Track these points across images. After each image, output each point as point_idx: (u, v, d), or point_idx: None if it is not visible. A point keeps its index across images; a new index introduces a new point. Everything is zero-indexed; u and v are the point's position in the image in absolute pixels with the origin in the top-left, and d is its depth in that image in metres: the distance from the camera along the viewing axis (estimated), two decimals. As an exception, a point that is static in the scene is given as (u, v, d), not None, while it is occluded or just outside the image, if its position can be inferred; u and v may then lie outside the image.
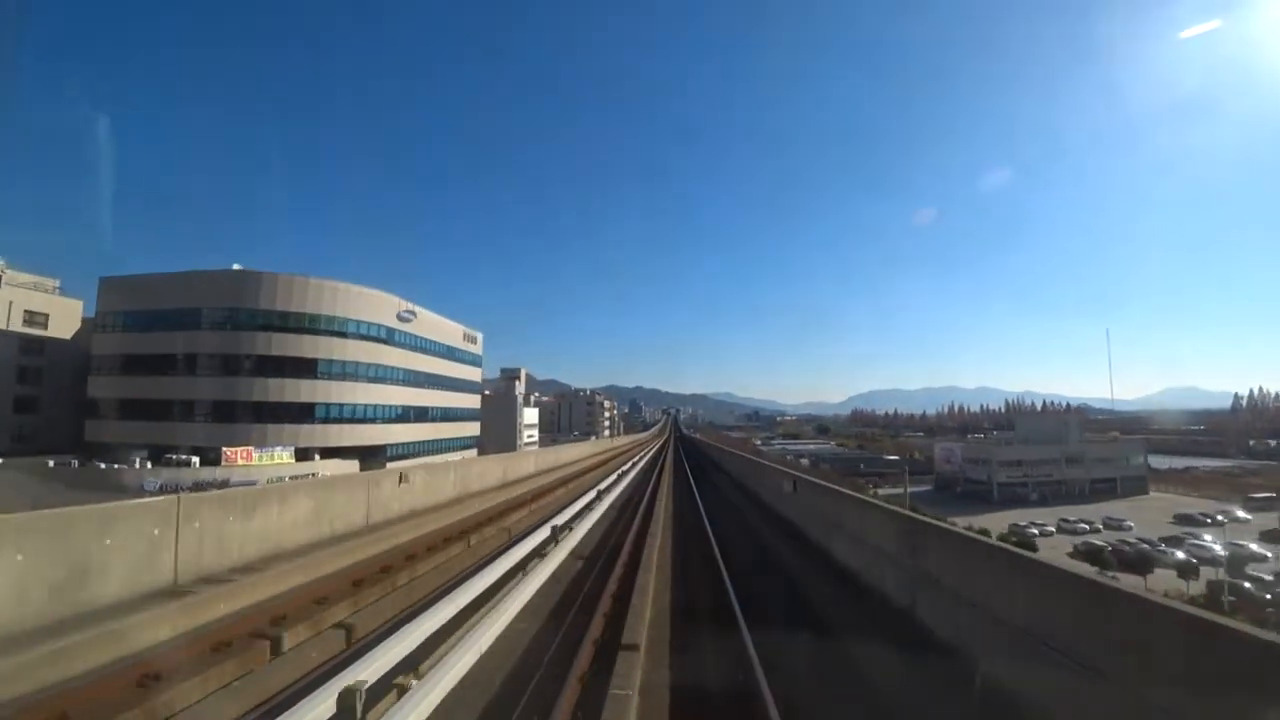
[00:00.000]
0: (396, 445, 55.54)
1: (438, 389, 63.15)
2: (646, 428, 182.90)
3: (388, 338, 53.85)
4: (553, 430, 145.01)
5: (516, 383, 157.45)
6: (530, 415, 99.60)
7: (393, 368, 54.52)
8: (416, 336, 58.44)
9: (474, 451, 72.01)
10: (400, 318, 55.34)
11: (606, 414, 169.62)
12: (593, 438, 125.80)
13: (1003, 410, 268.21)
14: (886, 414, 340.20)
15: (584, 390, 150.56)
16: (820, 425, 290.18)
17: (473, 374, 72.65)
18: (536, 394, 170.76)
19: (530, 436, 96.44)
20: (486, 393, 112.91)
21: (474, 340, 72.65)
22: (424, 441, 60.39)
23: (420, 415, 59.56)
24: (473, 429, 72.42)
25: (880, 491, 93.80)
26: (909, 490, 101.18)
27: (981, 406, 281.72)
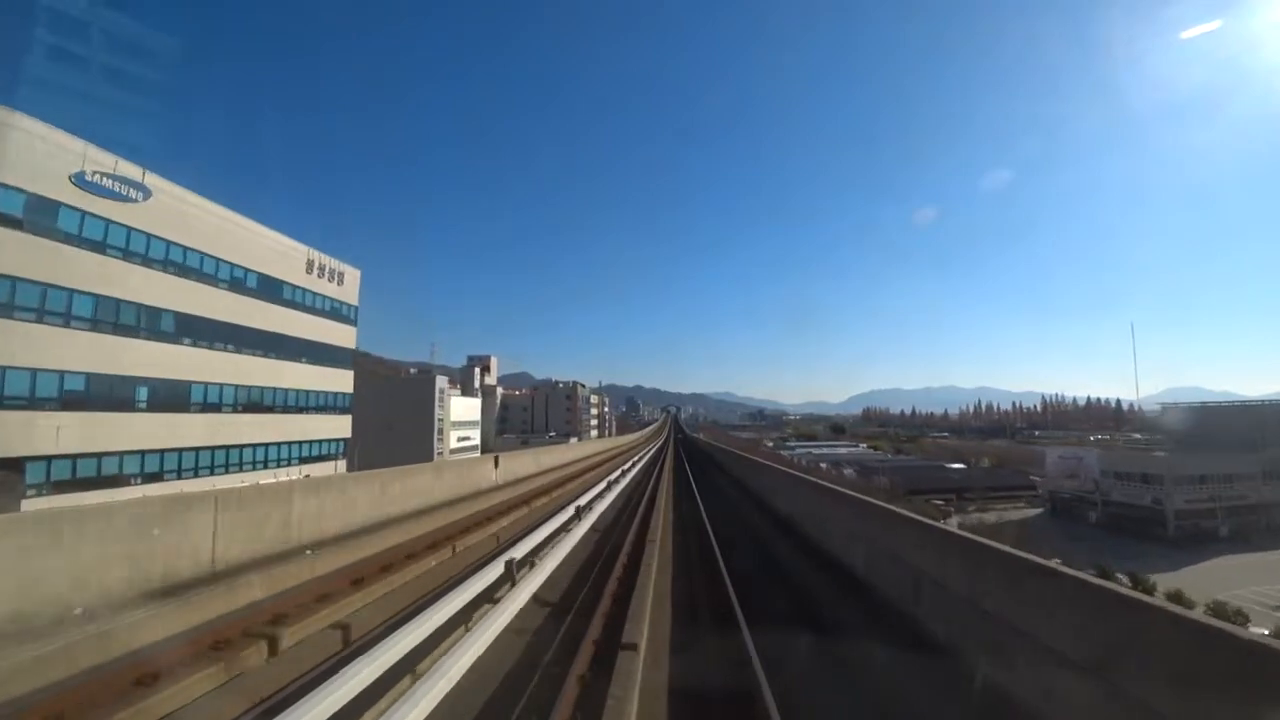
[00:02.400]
0: (87, 457, 25.41)
1: (235, 348, 32.98)
2: (644, 427, 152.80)
3: (39, 218, 23.68)
4: (525, 431, 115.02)
5: (484, 373, 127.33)
6: (463, 408, 69.07)
7: (55, 288, 24.33)
8: (153, 238, 28.24)
9: (340, 465, 41.89)
10: (83, 184, 25.13)
11: (594, 410, 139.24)
12: (572, 440, 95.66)
13: (1037, 409, 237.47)
14: (902, 412, 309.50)
15: (561, 381, 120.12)
16: (835, 425, 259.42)
17: (335, 334, 42.26)
18: (522, 389, 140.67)
19: (466, 440, 66.22)
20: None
21: (336, 278, 42.26)
22: (191, 450, 30.22)
23: (173, 397, 29.32)
24: (335, 427, 42.06)
25: (986, 519, 62.63)
26: (1007, 516, 70.54)
27: (1014, 405, 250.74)
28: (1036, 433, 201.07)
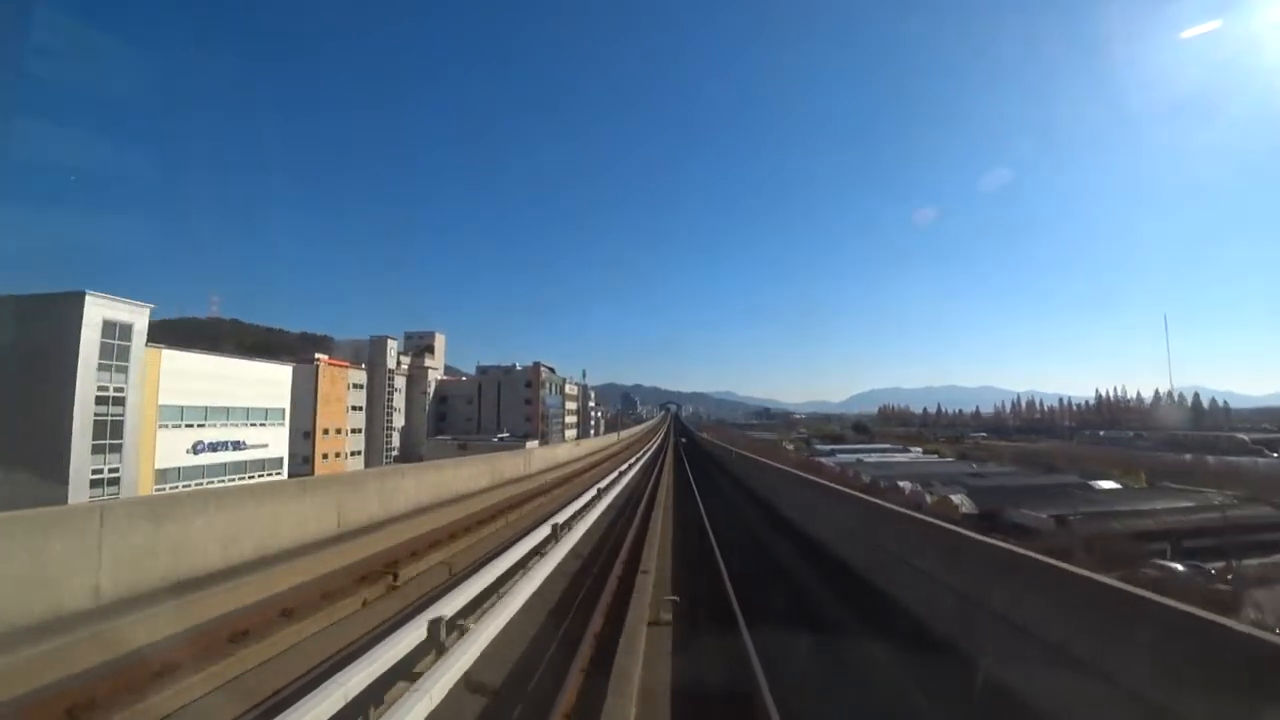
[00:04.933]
0: None
1: None
2: (638, 426, 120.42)
3: None
4: (471, 430, 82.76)
5: (421, 355, 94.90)
6: (208, 376, 33.98)
7: None
8: None
9: None
10: None
11: (571, 404, 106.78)
12: (531, 445, 63.37)
13: (1089, 405, 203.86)
14: (925, 410, 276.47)
15: (514, 365, 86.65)
16: (857, 424, 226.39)
17: None
18: (472, 375, 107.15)
19: (242, 449, 33.37)
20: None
21: None
22: None
23: None
24: None
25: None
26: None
27: (1062, 401, 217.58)
28: (1101, 433, 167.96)
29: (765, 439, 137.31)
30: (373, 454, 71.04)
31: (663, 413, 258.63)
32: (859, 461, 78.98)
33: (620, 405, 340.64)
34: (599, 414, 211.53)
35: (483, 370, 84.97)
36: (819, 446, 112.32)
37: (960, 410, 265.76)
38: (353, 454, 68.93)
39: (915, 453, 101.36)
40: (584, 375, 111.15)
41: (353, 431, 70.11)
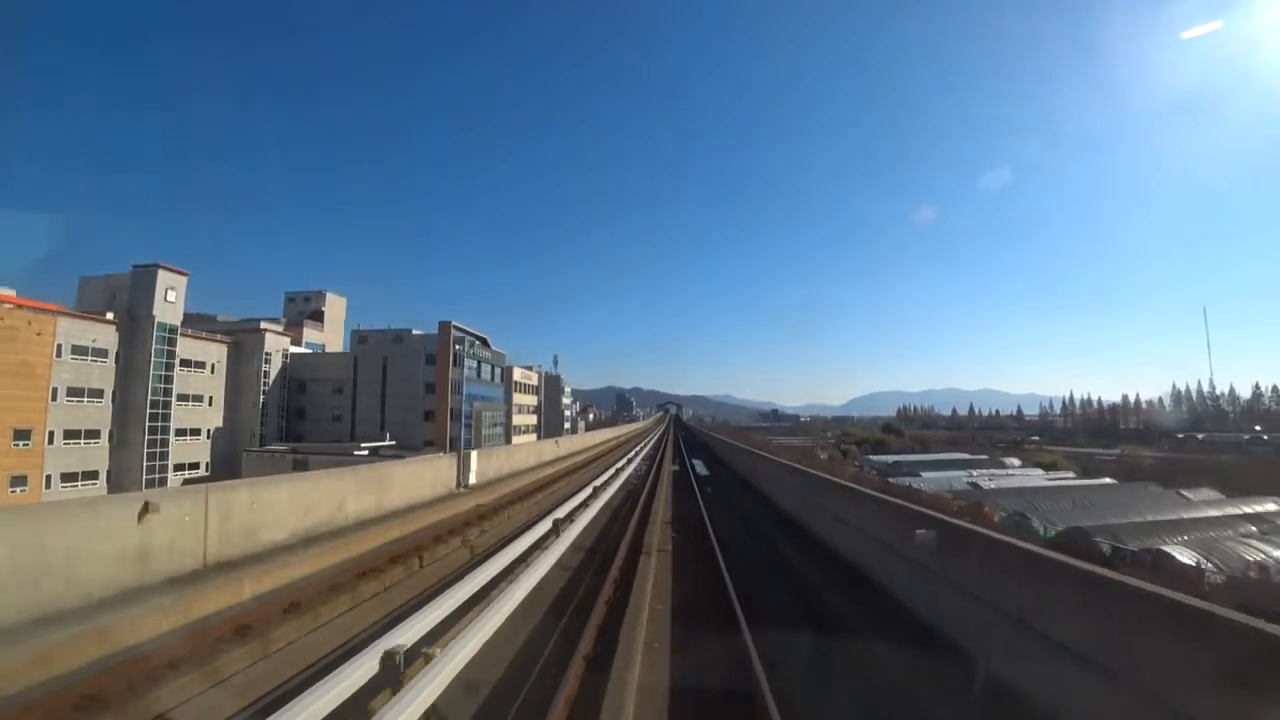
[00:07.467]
0: None
1: None
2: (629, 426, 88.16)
3: None
4: (342, 432, 50.62)
5: (299, 326, 62.27)
6: None
7: None
8: None
9: None
10: None
11: (523, 399, 74.21)
12: (429, 455, 31.38)
13: (1163, 403, 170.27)
14: (955, 411, 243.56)
15: (410, 330, 52.77)
16: (886, 425, 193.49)
17: None
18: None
19: None
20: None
21: None
22: None
23: None
24: None
25: None
26: None
27: (1126, 398, 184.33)
28: (1200, 436, 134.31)
29: (790, 444, 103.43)
30: (126, 475, 38.77)
31: (660, 413, 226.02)
32: (974, 488, 45.87)
33: (615, 406, 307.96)
34: (590, 415, 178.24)
35: (361, 339, 52.50)
36: (874, 459, 79.43)
37: (997, 411, 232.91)
38: (74, 479, 36.65)
39: (1017, 466, 68.73)
40: (555, 363, 78.43)
41: (82, 436, 37.92)
